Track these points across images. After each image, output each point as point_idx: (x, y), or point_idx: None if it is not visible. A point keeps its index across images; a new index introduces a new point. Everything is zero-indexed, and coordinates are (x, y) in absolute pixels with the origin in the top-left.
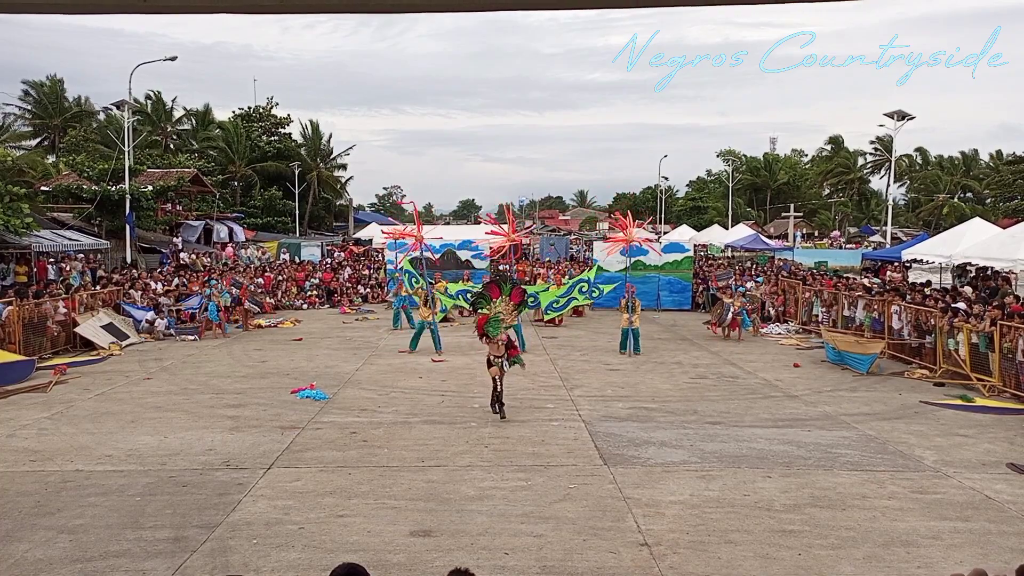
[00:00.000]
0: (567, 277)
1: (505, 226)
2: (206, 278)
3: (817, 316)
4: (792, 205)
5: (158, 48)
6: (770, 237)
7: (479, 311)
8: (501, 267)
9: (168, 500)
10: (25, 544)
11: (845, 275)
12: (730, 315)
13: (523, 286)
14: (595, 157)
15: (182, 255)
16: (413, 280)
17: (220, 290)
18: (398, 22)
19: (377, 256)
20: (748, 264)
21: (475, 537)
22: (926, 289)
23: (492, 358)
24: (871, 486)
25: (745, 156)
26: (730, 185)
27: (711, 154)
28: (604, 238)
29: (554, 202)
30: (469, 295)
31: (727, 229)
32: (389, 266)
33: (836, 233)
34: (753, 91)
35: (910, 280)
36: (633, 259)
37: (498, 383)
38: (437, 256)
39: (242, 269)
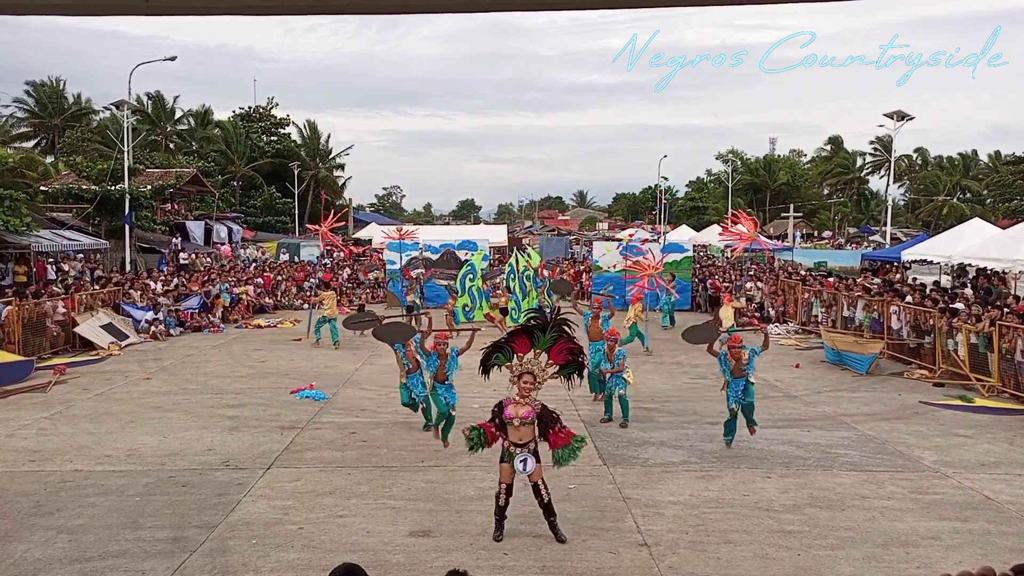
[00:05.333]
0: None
1: None
2: (206, 278)
3: (817, 316)
4: (792, 205)
5: (160, 50)
6: (770, 237)
7: (488, 367)
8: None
9: (167, 500)
10: (24, 544)
11: (844, 276)
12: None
13: (571, 341)
14: (595, 157)
15: (181, 255)
16: (467, 279)
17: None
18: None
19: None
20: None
21: (475, 537)
22: (925, 288)
23: (510, 448)
24: (870, 486)
25: (745, 156)
26: (730, 185)
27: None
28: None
29: (554, 202)
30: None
31: None
32: (390, 266)
33: (829, 233)
34: (753, 91)
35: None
36: (632, 259)
37: (503, 494)
38: (436, 256)
39: (241, 269)
